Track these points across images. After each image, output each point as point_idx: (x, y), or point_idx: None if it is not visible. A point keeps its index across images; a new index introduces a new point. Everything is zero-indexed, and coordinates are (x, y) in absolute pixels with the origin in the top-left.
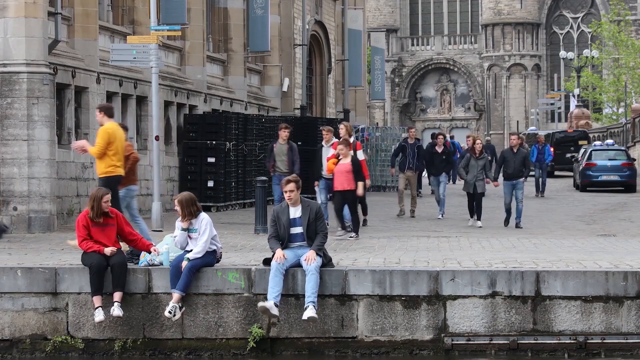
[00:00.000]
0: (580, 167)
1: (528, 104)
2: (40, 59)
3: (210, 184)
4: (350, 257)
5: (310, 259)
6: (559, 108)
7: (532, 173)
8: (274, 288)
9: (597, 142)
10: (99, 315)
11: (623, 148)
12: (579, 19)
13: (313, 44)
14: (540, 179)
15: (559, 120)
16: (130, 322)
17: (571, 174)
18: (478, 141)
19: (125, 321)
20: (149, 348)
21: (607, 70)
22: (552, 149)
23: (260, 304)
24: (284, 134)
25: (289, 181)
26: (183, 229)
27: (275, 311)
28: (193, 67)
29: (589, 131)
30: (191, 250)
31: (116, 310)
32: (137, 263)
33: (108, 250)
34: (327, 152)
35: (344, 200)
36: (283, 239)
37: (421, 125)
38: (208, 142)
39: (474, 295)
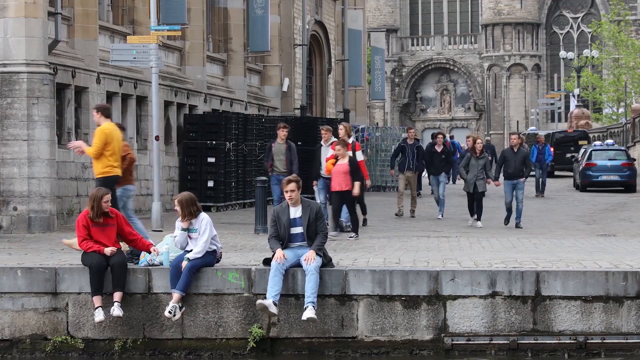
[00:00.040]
0: (580, 167)
1: (528, 104)
2: (40, 59)
3: (210, 184)
4: (350, 257)
5: (310, 259)
6: (559, 108)
7: (532, 173)
8: (273, 287)
9: (597, 142)
10: (99, 315)
11: (623, 148)
12: (579, 19)
13: (313, 44)
14: (540, 179)
15: (559, 120)
16: (130, 322)
17: (571, 174)
18: (478, 141)
19: (125, 321)
20: (149, 348)
21: (607, 70)
22: (552, 149)
23: (259, 301)
24: (282, 133)
25: (289, 181)
26: (183, 229)
27: (273, 309)
28: (193, 67)
29: (589, 131)
30: (191, 250)
31: (116, 310)
32: (137, 263)
33: (108, 250)
34: (326, 152)
35: (342, 201)
36: (283, 239)
37: (421, 125)
38: (208, 142)
39: (474, 295)
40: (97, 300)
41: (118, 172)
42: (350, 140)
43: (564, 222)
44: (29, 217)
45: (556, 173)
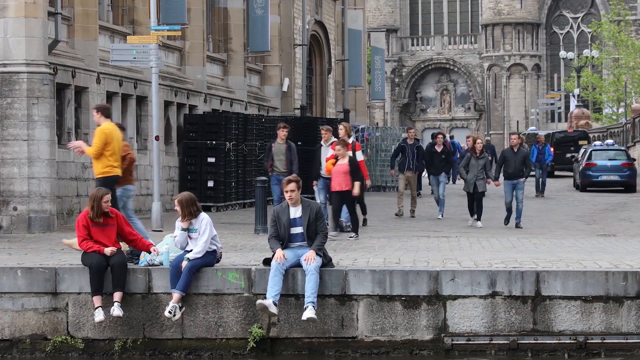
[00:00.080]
0: (580, 167)
1: (528, 104)
2: (40, 59)
3: (210, 184)
4: (350, 257)
5: (309, 259)
6: (559, 108)
7: (532, 173)
8: (273, 287)
9: (597, 142)
10: (99, 315)
11: (623, 148)
12: (579, 19)
13: (313, 44)
14: (540, 179)
15: (559, 120)
16: (130, 322)
17: (571, 174)
18: (479, 141)
19: (125, 321)
20: (149, 348)
21: (607, 70)
22: (552, 149)
23: (259, 301)
24: (282, 133)
25: (289, 181)
26: (183, 229)
27: (273, 309)
28: (193, 67)
29: (589, 131)
30: (191, 250)
31: (116, 310)
32: (137, 263)
33: (108, 250)
34: (326, 152)
35: (342, 201)
36: (283, 239)
37: (421, 125)
38: (208, 142)
39: (474, 295)
40: (97, 300)
41: (118, 172)
42: (350, 140)
43: (564, 222)
44: (29, 217)
45: (556, 173)
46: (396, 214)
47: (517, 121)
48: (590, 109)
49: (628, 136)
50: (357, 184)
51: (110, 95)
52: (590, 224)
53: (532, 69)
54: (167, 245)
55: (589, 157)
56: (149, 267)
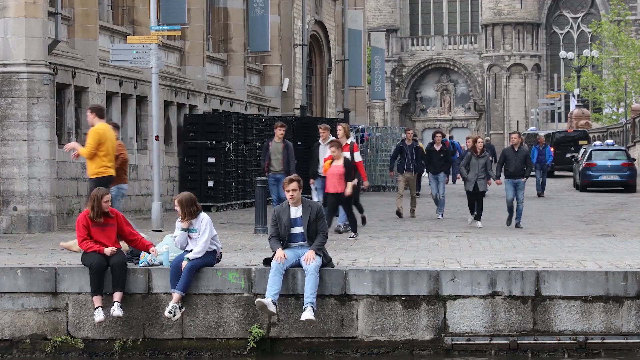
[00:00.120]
0: (580, 167)
1: (528, 104)
2: (40, 59)
3: (210, 184)
4: (350, 257)
5: (309, 259)
6: (559, 108)
7: (532, 173)
8: (272, 286)
9: (597, 142)
10: (99, 315)
11: (623, 148)
12: (579, 19)
13: (313, 44)
14: (541, 179)
15: (559, 120)
16: (130, 322)
17: (571, 174)
18: (479, 140)
19: (125, 321)
20: (149, 348)
21: (607, 70)
22: (552, 149)
23: (258, 300)
24: (279, 132)
25: (291, 180)
26: (183, 229)
27: (272, 308)
28: (193, 67)
29: (589, 131)
30: (191, 250)
31: (116, 310)
32: (137, 263)
33: (108, 250)
34: (324, 150)
35: (337, 203)
36: (283, 239)
37: (421, 125)
38: (208, 142)
39: (474, 295)
40: (97, 300)
41: (112, 172)
42: (349, 141)
43: (564, 222)
44: (29, 217)
45: (556, 173)
46: (397, 212)
47: (517, 121)
48: (590, 109)
49: (628, 136)
50: (349, 184)
51: (110, 95)
52: (590, 224)
53: (532, 69)
54: (167, 245)
55: (589, 157)
56: (149, 267)
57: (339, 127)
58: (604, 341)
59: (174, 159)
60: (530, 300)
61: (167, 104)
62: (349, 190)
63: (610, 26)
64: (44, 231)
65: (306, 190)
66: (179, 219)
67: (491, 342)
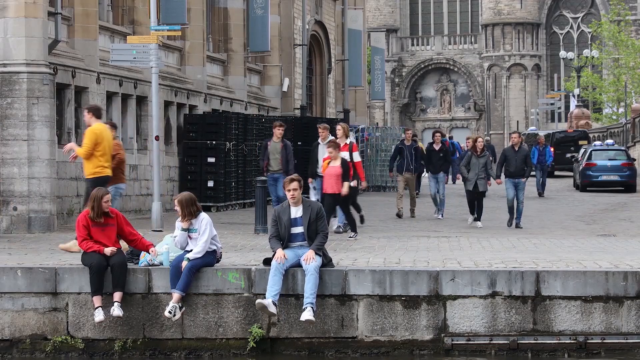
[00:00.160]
0: (580, 167)
1: (528, 104)
2: (40, 59)
3: (210, 184)
4: (350, 257)
5: (309, 259)
6: (559, 108)
7: (532, 173)
8: (272, 287)
9: (597, 142)
10: (99, 315)
11: (623, 148)
12: (579, 19)
13: (313, 44)
14: (541, 180)
15: (559, 120)
16: (130, 322)
17: (571, 174)
18: (479, 139)
19: (125, 321)
20: (149, 348)
21: (607, 70)
22: (552, 150)
23: (258, 301)
24: (278, 131)
25: (292, 180)
26: (183, 229)
27: (272, 309)
28: (193, 67)
29: (589, 131)
30: (191, 250)
31: (116, 310)
32: (137, 263)
33: (108, 250)
34: (323, 150)
35: (335, 203)
36: (283, 239)
37: (421, 125)
38: (208, 142)
39: (474, 295)
40: (97, 300)
41: (108, 172)
42: (348, 141)
43: (564, 222)
44: (29, 217)
45: (556, 173)
46: (397, 214)
47: (517, 121)
48: (590, 109)
49: (628, 136)
50: (345, 184)
51: (110, 95)
52: (590, 224)
53: (532, 69)
54: (167, 245)
55: (589, 157)
56: (149, 267)
57: (338, 127)
58: (604, 341)
59: (174, 159)
60: (530, 300)
61: (167, 104)
62: (345, 190)
63: (610, 26)
64: (44, 231)
65: (307, 191)
66: (179, 219)
67: (491, 342)
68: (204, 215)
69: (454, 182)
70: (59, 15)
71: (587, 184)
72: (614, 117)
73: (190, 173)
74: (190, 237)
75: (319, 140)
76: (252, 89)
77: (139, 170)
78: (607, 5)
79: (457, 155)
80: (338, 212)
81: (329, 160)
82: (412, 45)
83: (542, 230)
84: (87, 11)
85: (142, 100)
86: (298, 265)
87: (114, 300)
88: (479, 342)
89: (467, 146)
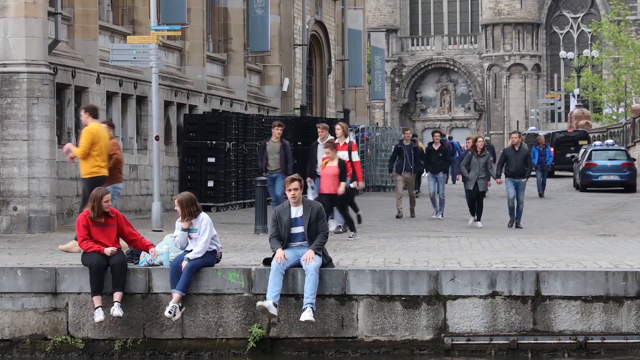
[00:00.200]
0: (580, 167)
1: (528, 104)
2: (40, 59)
3: (210, 184)
4: (350, 257)
5: (308, 259)
6: (559, 108)
7: (532, 173)
8: (273, 288)
9: (597, 142)
10: (99, 315)
11: (623, 148)
12: (579, 19)
13: (313, 44)
14: (541, 180)
15: (559, 120)
16: (130, 322)
17: (571, 174)
18: (480, 139)
19: (125, 321)
20: (149, 348)
21: (607, 70)
22: (552, 150)
23: (259, 303)
24: (277, 131)
25: (292, 179)
26: (183, 229)
27: (273, 311)
28: (193, 67)
29: (589, 131)
30: (191, 250)
31: (116, 310)
32: (137, 263)
33: (108, 250)
34: (322, 149)
35: (332, 203)
36: (284, 239)
37: (421, 125)
38: (208, 142)
39: (474, 295)
40: (97, 300)
41: (105, 172)
42: (347, 140)
43: (564, 222)
44: (29, 217)
45: (556, 173)
46: (397, 216)
47: (517, 121)
48: (590, 109)
49: (628, 136)
50: (342, 184)
51: (110, 95)
52: (590, 224)
53: (532, 69)
54: (167, 245)
55: (589, 157)
56: (149, 267)
57: (338, 127)
58: (604, 341)
59: (174, 159)
60: (530, 300)
61: (167, 104)
62: (341, 189)
63: (610, 26)
64: (44, 231)
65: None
66: (179, 219)
67: (491, 342)
68: (204, 215)
69: (453, 182)
70: (59, 15)
71: (587, 184)
72: (614, 117)
73: (190, 173)
74: (190, 237)
75: (318, 140)
76: (252, 89)
77: (139, 170)
78: (607, 5)
79: (457, 155)
80: (335, 213)
81: (326, 161)
82: (412, 45)
83: (542, 230)
84: (87, 11)
85: (142, 100)
86: (298, 265)
87: (114, 300)
88: (479, 342)
89: (467, 146)
